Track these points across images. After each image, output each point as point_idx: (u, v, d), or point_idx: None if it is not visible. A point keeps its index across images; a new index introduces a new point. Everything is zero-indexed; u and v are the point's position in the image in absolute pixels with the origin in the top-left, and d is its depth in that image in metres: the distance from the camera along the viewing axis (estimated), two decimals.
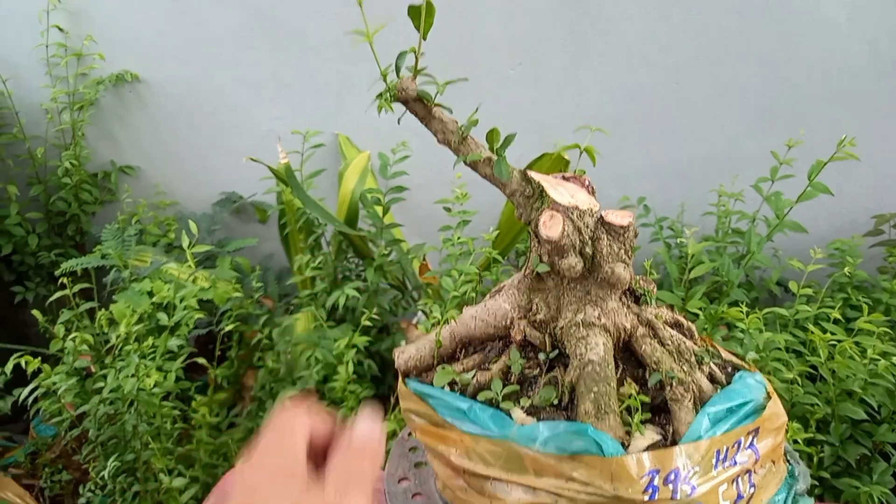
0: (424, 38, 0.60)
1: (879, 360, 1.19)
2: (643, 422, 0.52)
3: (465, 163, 0.61)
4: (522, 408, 0.56)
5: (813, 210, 1.81)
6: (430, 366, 0.64)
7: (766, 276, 1.63)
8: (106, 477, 1.22)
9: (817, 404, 1.21)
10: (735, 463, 0.50)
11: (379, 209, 1.60)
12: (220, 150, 2.09)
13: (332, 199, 1.86)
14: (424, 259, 1.78)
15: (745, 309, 1.19)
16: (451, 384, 0.60)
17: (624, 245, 0.58)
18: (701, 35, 1.71)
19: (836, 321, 1.30)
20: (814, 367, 1.25)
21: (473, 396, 0.58)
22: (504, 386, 0.57)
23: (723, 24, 1.69)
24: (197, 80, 2.02)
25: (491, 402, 0.57)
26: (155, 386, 1.26)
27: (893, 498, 1.15)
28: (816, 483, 1.16)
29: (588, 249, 0.58)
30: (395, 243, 1.67)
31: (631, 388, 0.55)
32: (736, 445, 0.50)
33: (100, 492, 1.34)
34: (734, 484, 0.49)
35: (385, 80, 0.59)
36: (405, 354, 0.64)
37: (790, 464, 0.58)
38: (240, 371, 1.67)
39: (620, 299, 0.60)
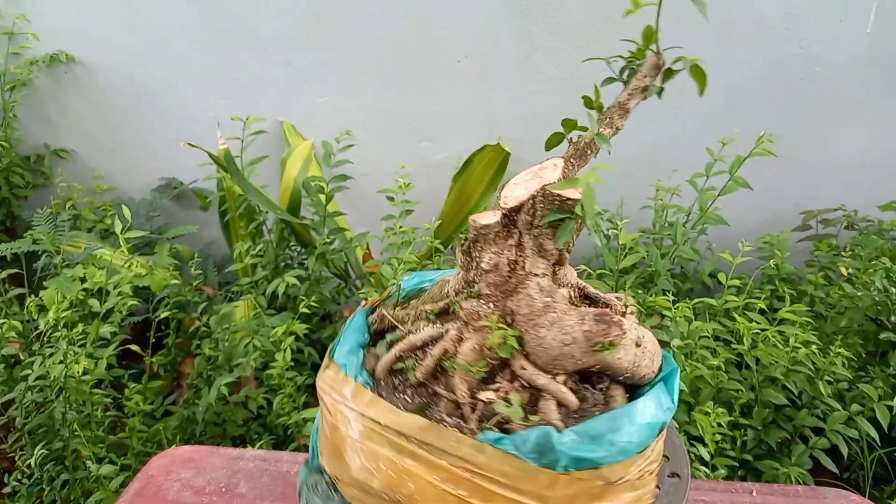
0: None
1: (801, 348, 1.24)
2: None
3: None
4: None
5: (744, 205, 1.88)
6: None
7: (699, 269, 1.68)
8: (33, 465, 1.19)
9: (741, 390, 1.26)
10: None
11: (322, 197, 1.60)
12: (161, 135, 2.05)
13: (275, 188, 1.84)
14: (367, 248, 1.78)
15: (671, 298, 1.23)
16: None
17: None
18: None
19: (762, 311, 1.35)
20: (740, 355, 1.30)
21: None
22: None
23: (664, 27, 1.73)
24: (139, 64, 1.97)
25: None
26: (85, 373, 1.23)
27: (810, 478, 1.20)
28: (738, 464, 1.21)
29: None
30: (339, 232, 1.66)
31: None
32: None
33: (27, 481, 1.30)
34: None
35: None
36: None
37: None
38: (177, 359, 1.65)
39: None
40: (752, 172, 1.87)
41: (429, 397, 0.57)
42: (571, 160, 0.58)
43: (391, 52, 1.86)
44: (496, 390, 0.55)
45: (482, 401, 0.54)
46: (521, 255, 0.56)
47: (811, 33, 1.69)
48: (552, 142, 0.60)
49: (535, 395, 0.55)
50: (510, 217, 0.57)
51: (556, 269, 0.59)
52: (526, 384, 0.55)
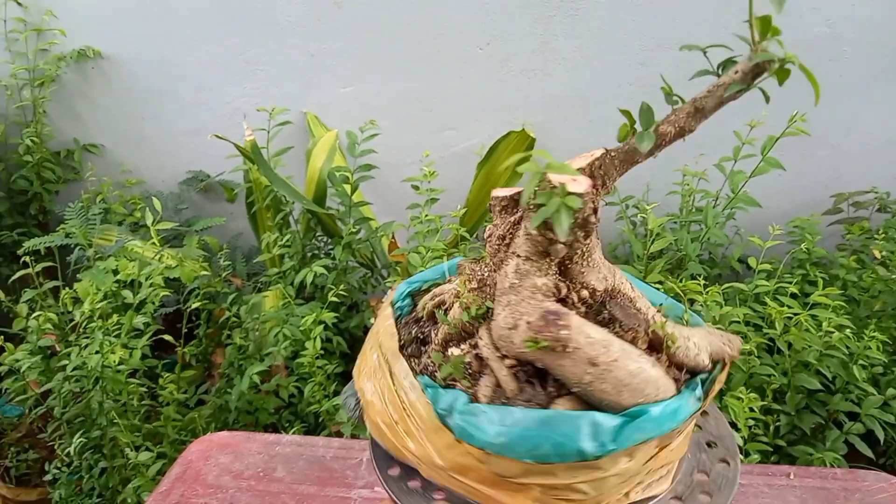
0: None
1: (834, 332, 1.23)
2: None
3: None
4: None
5: (774, 189, 1.86)
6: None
7: (728, 254, 1.67)
8: (72, 453, 1.22)
9: (774, 375, 1.25)
10: None
11: (347, 187, 1.60)
12: (187, 128, 2.07)
13: (299, 178, 1.85)
14: (393, 237, 1.79)
15: (702, 283, 1.22)
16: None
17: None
18: (667, 19, 1.73)
19: (793, 296, 1.34)
20: (771, 340, 1.29)
21: None
22: None
23: (688, 9, 1.71)
24: (163, 58, 1.99)
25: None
26: (121, 363, 1.25)
27: (845, 463, 1.19)
28: (771, 449, 1.20)
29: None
30: (364, 221, 1.67)
31: None
32: None
33: (66, 469, 1.33)
34: None
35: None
36: None
37: None
38: (208, 349, 1.67)
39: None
40: (781, 156, 1.84)
41: (420, 335, 0.62)
42: (612, 153, 0.55)
43: (412, 41, 1.85)
44: (461, 350, 0.57)
45: (446, 354, 0.57)
46: (512, 233, 0.56)
47: (838, 12, 1.66)
48: (621, 134, 0.56)
49: (484, 368, 0.55)
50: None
51: (570, 262, 0.56)
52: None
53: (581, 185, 0.49)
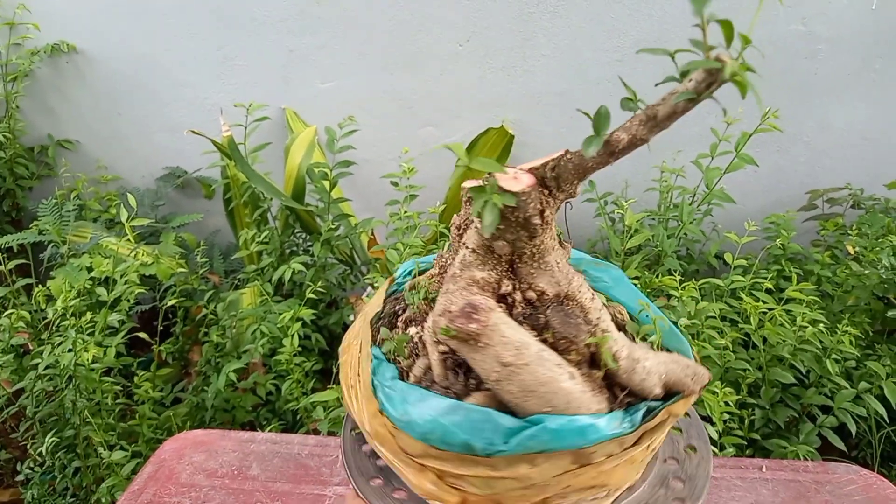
0: None
1: (808, 327, 1.24)
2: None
3: None
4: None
5: (751, 186, 1.88)
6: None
7: (705, 250, 1.68)
8: (44, 453, 1.20)
9: (749, 369, 1.26)
10: None
11: (326, 183, 1.60)
12: (164, 124, 2.05)
13: (278, 175, 1.84)
14: (372, 234, 1.78)
15: (678, 278, 1.23)
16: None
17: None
18: (644, 17, 1.74)
19: (769, 291, 1.35)
20: (747, 335, 1.31)
21: None
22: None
23: (665, 9, 1.72)
24: (139, 53, 1.97)
25: None
26: (94, 361, 1.24)
27: (818, 456, 1.21)
28: (746, 443, 1.21)
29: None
30: (343, 218, 1.66)
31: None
32: None
33: (39, 469, 1.31)
34: None
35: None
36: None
37: None
38: (185, 347, 1.66)
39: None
40: (758, 153, 1.86)
41: (400, 311, 0.63)
42: (569, 156, 0.54)
43: (393, 37, 1.85)
44: (416, 330, 0.58)
45: (404, 331, 0.59)
46: (467, 224, 0.57)
47: (813, 10, 1.68)
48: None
49: (424, 350, 0.57)
50: None
51: (519, 261, 0.54)
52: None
53: (519, 184, 0.48)
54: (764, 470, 0.77)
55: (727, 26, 0.42)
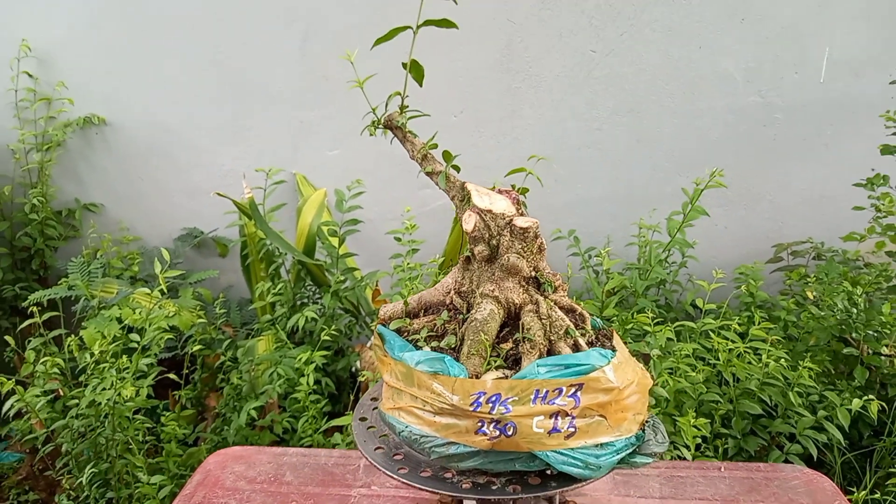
0: (421, 85, 0.81)
1: (771, 363, 1.39)
2: (499, 367, 0.70)
3: (425, 174, 0.82)
4: (431, 348, 0.73)
5: (722, 241, 2.06)
6: (401, 318, 0.82)
7: (682, 300, 1.84)
8: (84, 483, 1.31)
9: (720, 401, 1.40)
10: (553, 403, 0.66)
11: (335, 240, 1.76)
12: (182, 188, 2.22)
13: (290, 233, 2.00)
14: (377, 285, 1.94)
15: (650, 315, 1.38)
16: (405, 332, 0.78)
17: (525, 242, 0.75)
18: (619, 89, 1.95)
19: (741, 335, 1.50)
20: (720, 373, 1.45)
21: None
22: (429, 334, 0.76)
23: (638, 80, 1.93)
24: (161, 123, 2.16)
25: (414, 343, 0.75)
26: (128, 400, 1.37)
27: None
28: None
29: (494, 242, 0.75)
30: (350, 272, 1.82)
31: (509, 343, 0.73)
32: (557, 391, 0.66)
33: (72, 503, 1.42)
34: (552, 418, 0.66)
35: (375, 114, 0.81)
36: (387, 307, 0.82)
37: (643, 430, 0.72)
38: (202, 393, 1.78)
39: (521, 283, 0.76)
40: (726, 211, 2.05)
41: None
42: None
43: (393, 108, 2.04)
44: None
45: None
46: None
47: (768, 84, 1.89)
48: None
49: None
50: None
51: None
52: None
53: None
54: (722, 470, 0.91)
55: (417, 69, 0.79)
